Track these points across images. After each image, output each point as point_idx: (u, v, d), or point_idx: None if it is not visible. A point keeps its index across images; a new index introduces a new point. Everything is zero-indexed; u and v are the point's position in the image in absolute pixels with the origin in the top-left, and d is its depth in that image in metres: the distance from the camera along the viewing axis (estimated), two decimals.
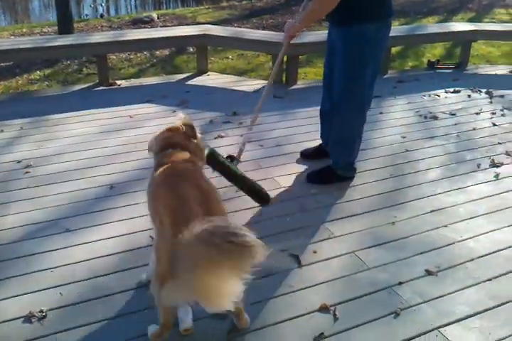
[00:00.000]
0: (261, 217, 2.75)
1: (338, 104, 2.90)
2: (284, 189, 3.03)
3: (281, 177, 3.16)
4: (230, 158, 2.88)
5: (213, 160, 2.61)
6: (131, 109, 4.19)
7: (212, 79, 5.08)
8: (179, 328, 1.94)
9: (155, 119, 3.99)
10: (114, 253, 2.41)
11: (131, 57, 6.18)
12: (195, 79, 5.05)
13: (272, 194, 2.96)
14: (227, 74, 5.41)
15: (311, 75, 5.45)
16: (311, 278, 2.28)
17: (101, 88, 4.75)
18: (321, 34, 5.25)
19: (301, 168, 3.28)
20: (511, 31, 5.65)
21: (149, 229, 2.56)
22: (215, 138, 3.66)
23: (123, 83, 4.89)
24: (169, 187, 1.84)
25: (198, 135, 2.22)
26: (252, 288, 2.19)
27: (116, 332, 1.97)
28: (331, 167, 3.12)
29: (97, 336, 1.95)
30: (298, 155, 3.42)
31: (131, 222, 2.64)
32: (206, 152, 2.40)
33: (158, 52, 6.34)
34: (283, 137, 3.72)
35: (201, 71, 5.27)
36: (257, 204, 2.77)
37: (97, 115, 4.07)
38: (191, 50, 6.26)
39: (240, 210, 2.79)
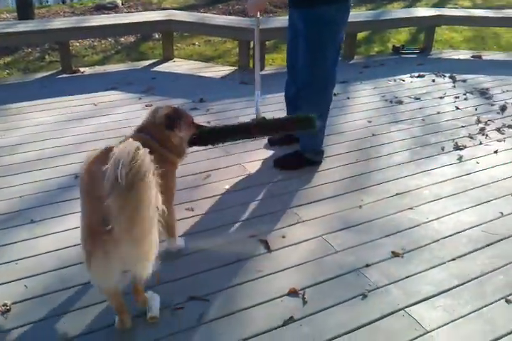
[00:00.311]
0: (229, 203, 2.74)
1: (302, 88, 2.91)
2: (251, 175, 3.03)
3: (249, 163, 3.15)
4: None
5: (210, 133, 2.49)
6: (95, 97, 4.11)
7: (178, 66, 5.01)
8: (146, 316, 1.94)
9: (120, 107, 3.93)
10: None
11: (95, 44, 6.03)
12: (161, 66, 4.98)
13: (240, 180, 2.96)
14: (194, 60, 5.35)
15: (278, 61, 5.43)
16: (280, 263, 2.30)
17: (64, 75, 4.63)
18: (287, 20, 5.23)
19: (269, 154, 3.28)
20: (473, 17, 5.75)
21: None
22: None
23: (87, 70, 4.78)
24: (88, 166, 1.81)
25: (179, 129, 2.12)
26: (221, 274, 2.22)
27: (84, 322, 1.95)
28: (298, 152, 3.13)
29: (63, 327, 1.93)
30: (265, 142, 3.42)
31: None
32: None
33: (122, 39, 6.21)
34: None
35: (167, 57, 5.19)
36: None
37: (60, 103, 3.97)
38: (157, 36, 6.16)
39: (208, 197, 2.78)
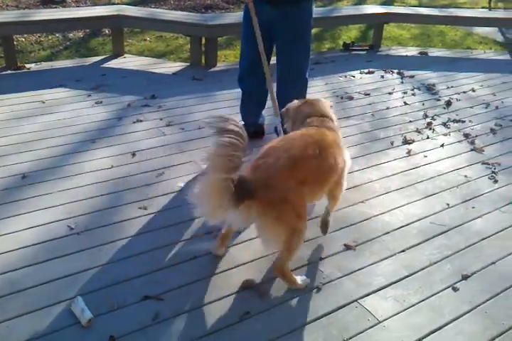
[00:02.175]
0: (183, 201, 2.69)
1: (301, 76, 3.03)
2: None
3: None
4: None
5: None
6: (43, 94, 3.98)
7: (129, 62, 4.92)
8: (82, 323, 1.90)
9: (69, 104, 3.82)
10: (30, 246, 2.30)
11: (42, 39, 5.84)
12: (111, 62, 4.87)
13: (194, 177, 2.94)
14: (145, 56, 5.27)
15: (231, 58, 5.42)
16: (235, 259, 2.31)
17: (8, 72, 4.46)
18: (240, 15, 5.23)
19: None
20: (419, 14, 5.92)
21: (66, 219, 2.48)
22: (134, 123, 3.57)
23: (33, 67, 4.62)
24: None
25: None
26: (177, 271, 2.20)
27: (31, 327, 1.89)
28: None
29: (11, 333, 1.86)
30: None
31: (47, 213, 2.53)
32: None
33: (71, 35, 6.04)
34: (204, 119, 3.68)
35: (117, 53, 5.09)
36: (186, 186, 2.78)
37: (5, 101, 3.83)
38: (107, 32, 6.02)
39: (161, 195, 2.75)
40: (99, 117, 3.64)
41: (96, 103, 3.86)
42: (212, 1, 7.77)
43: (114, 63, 4.86)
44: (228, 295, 2.10)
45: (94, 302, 1.99)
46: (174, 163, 3.08)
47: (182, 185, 2.86)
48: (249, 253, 2.35)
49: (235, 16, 5.27)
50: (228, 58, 5.41)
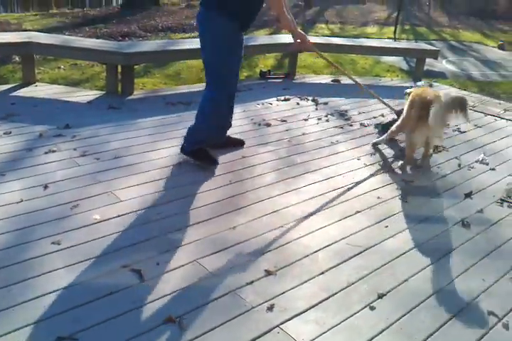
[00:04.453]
0: (99, 233, 2.63)
1: None
2: (123, 203, 2.94)
3: (121, 190, 3.06)
4: None
5: None
6: None
7: (41, 90, 4.76)
8: None
9: None
10: None
11: None
12: (21, 91, 4.69)
13: (111, 209, 2.86)
14: (59, 85, 5.12)
15: (149, 85, 5.40)
16: (155, 292, 2.25)
17: None
18: (157, 43, 5.24)
19: (140, 180, 3.21)
20: (332, 44, 6.22)
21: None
22: (46, 153, 3.43)
23: None
24: None
25: None
26: (92, 309, 2.11)
27: None
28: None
29: None
30: (139, 167, 3.35)
31: None
32: None
33: None
34: (121, 148, 3.62)
35: (28, 82, 4.91)
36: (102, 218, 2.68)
37: None
38: (17, 59, 5.81)
39: (75, 229, 2.64)
40: (9, 148, 3.46)
41: (4, 133, 3.68)
42: (129, 29, 7.75)
43: (24, 91, 4.68)
44: (147, 331, 2.02)
45: None
46: (89, 194, 2.98)
47: (98, 217, 2.76)
48: (170, 285, 2.30)
49: (152, 44, 5.28)
50: (146, 86, 5.38)
